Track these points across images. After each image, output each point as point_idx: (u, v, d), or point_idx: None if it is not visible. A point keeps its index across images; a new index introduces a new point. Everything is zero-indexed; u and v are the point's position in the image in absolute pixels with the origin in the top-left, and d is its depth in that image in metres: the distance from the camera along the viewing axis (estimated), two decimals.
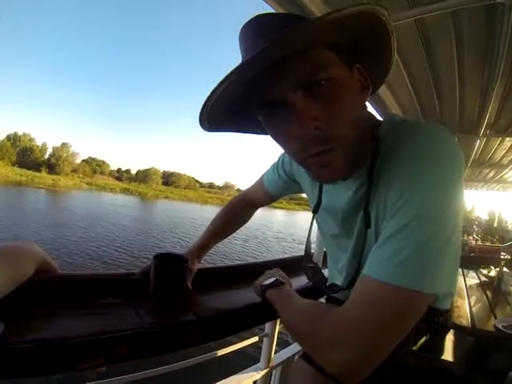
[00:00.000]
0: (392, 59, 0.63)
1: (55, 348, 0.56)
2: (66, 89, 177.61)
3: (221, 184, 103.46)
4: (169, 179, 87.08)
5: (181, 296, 0.79)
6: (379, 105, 2.13)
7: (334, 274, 0.89)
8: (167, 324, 0.70)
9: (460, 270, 3.19)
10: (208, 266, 1.15)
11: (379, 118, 0.71)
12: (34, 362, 0.54)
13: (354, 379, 0.52)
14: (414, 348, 1.25)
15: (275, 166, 1.03)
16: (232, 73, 0.48)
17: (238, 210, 1.17)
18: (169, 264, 0.76)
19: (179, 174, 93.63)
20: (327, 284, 0.88)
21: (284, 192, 1.07)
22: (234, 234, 1.19)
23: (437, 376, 1.36)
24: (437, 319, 0.87)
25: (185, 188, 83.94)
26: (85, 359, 0.59)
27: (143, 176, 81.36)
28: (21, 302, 0.64)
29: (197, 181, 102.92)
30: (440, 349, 1.57)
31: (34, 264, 0.67)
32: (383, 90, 1.99)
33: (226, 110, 0.59)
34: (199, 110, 0.57)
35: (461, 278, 2.94)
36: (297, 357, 0.84)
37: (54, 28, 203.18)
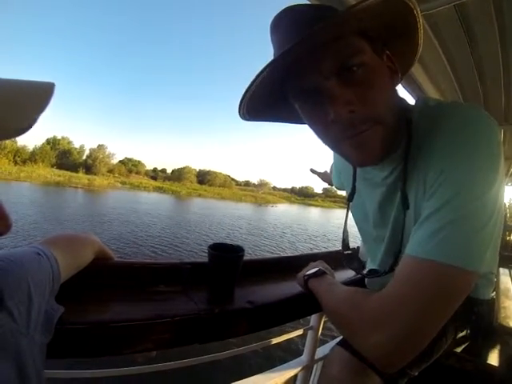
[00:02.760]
0: (419, 43, 0.63)
1: (112, 330, 0.58)
2: (107, 92, 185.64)
3: (256, 182, 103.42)
4: (204, 178, 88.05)
5: (234, 284, 0.82)
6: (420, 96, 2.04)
7: (372, 264, 0.88)
8: (222, 311, 0.71)
9: (507, 271, 3.00)
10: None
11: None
12: (91, 343, 0.57)
13: (393, 364, 0.51)
14: (457, 350, 1.20)
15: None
16: (269, 64, 0.52)
17: None
18: (224, 253, 0.78)
19: (215, 172, 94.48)
20: (366, 271, 0.89)
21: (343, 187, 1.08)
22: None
23: (479, 379, 1.29)
24: (476, 309, 0.84)
25: (219, 186, 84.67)
26: (140, 342, 0.61)
27: (178, 175, 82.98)
28: (80, 287, 0.69)
29: (233, 179, 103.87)
30: (484, 352, 1.49)
31: (92, 252, 0.73)
32: (424, 81, 1.91)
33: (263, 101, 0.62)
34: (239, 100, 0.61)
35: (508, 279, 2.76)
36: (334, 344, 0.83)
37: (87, 29, 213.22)
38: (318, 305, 0.73)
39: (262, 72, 0.52)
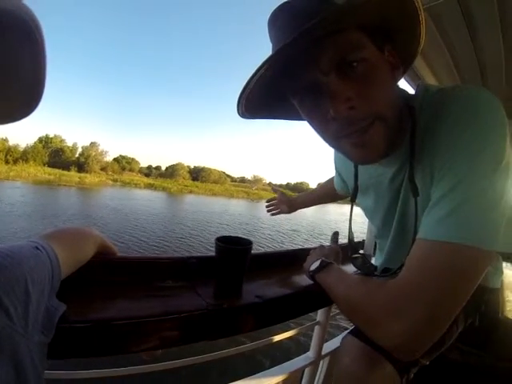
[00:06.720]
0: (422, 35, 0.60)
1: (117, 328, 0.55)
2: (102, 89, 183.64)
3: (250, 178, 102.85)
4: (199, 174, 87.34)
5: (242, 278, 0.78)
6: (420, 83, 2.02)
7: (380, 261, 0.87)
8: (231, 306, 0.69)
9: (510, 265, 3.02)
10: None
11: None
12: (95, 342, 0.54)
13: (413, 352, 0.51)
14: (461, 345, 1.18)
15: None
16: (265, 62, 0.50)
17: (332, 190, 1.22)
18: (232, 246, 0.74)
19: (209, 169, 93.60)
20: (378, 270, 0.86)
21: (347, 191, 1.05)
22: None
23: (484, 374, 1.28)
24: (486, 297, 0.86)
25: (213, 182, 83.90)
26: (147, 340, 0.58)
27: (171, 171, 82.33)
28: (82, 284, 0.66)
29: (228, 175, 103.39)
30: (490, 345, 1.49)
31: (94, 246, 0.70)
32: (422, 67, 1.89)
33: (261, 98, 0.60)
34: (237, 96, 0.59)
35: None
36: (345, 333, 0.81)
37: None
38: (327, 299, 0.71)
39: (258, 69, 0.51)
